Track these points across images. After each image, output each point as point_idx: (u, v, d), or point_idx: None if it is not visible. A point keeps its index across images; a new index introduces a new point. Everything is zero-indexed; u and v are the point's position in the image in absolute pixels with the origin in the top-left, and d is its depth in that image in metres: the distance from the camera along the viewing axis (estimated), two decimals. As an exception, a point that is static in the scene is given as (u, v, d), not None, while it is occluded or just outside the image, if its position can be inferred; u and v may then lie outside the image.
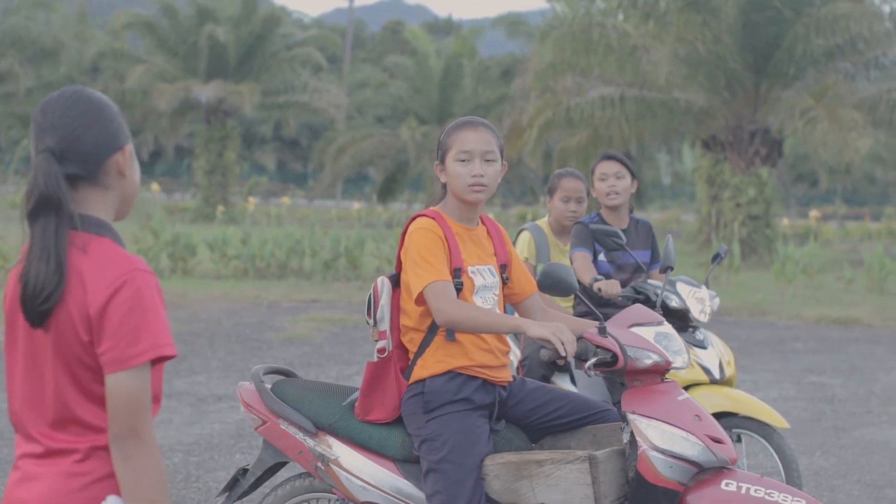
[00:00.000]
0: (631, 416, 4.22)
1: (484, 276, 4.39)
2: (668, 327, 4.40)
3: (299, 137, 67.40)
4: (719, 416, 5.93)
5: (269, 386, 4.71)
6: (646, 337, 4.30)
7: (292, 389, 4.67)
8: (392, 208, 41.55)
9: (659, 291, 5.92)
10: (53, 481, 2.74)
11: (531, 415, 4.46)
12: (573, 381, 6.29)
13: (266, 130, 64.67)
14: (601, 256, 6.27)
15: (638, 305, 4.51)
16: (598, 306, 5.86)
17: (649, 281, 6.14)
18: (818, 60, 26.15)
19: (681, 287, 6.10)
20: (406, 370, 4.40)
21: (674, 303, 6.04)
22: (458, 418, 4.26)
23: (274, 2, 60.81)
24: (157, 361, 2.75)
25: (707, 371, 6.11)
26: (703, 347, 6.16)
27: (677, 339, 4.38)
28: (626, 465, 4.26)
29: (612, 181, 6.33)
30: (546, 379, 6.46)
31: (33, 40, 43.89)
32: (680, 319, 6.03)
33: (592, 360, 4.22)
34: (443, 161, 4.39)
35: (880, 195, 61.50)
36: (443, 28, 80.00)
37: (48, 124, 2.81)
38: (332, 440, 4.51)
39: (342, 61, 61.98)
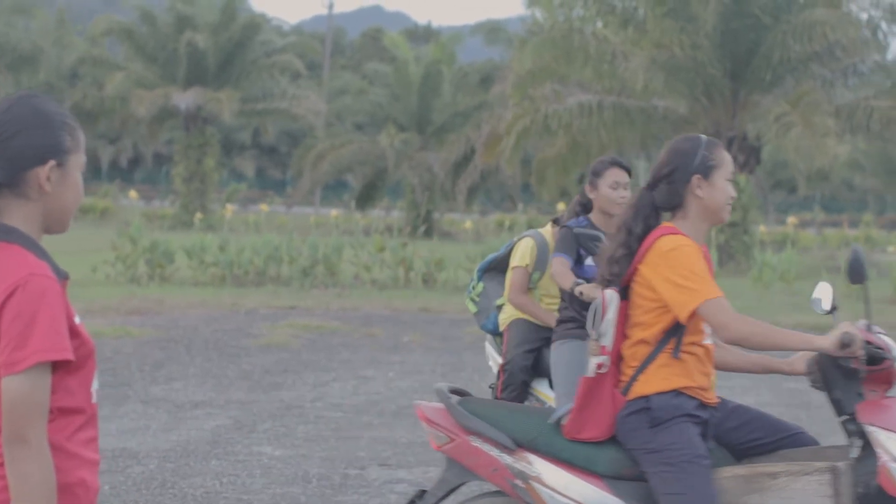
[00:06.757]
0: (870, 429, 4.15)
1: None
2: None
3: (278, 144, 67.39)
4: None
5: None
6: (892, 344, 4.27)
7: (483, 407, 4.56)
8: (371, 215, 41.52)
9: None
10: None
11: (731, 434, 4.45)
12: (551, 385, 6.26)
13: (245, 137, 64.59)
14: (589, 261, 6.18)
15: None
16: (581, 311, 5.82)
17: None
18: (796, 67, 26.23)
19: None
20: (624, 387, 4.34)
21: None
22: (687, 429, 4.23)
23: (253, 9, 60.77)
24: (57, 366, 2.72)
25: None
26: None
27: None
28: (856, 479, 4.19)
29: (622, 192, 6.18)
30: (526, 384, 6.43)
31: (13, 47, 43.69)
32: None
33: (864, 356, 4.15)
34: (707, 176, 4.36)
35: (858, 202, 61.78)
36: (422, 35, 79.85)
37: None
38: (532, 457, 4.39)
39: (321, 68, 61.94)
